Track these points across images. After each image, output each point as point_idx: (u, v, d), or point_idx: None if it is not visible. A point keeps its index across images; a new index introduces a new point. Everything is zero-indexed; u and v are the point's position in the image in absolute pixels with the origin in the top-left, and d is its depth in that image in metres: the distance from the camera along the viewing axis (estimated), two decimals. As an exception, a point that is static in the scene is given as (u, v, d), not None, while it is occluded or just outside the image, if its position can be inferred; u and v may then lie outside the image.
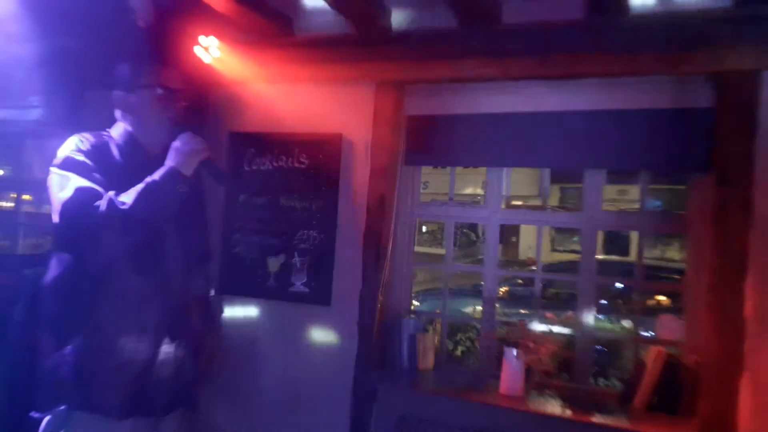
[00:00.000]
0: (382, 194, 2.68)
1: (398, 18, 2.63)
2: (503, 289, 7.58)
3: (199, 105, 2.99)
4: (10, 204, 4.37)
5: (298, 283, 2.83)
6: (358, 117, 2.75)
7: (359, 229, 2.72)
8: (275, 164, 2.91)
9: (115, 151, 1.79)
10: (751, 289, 2.13)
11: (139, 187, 1.65)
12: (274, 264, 2.88)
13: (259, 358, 2.86)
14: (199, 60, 2.67)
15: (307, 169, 2.85)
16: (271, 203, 2.91)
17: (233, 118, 3.00)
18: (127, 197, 1.63)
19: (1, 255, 4.38)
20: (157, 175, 1.70)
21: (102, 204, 1.59)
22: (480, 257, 13.17)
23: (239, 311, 2.93)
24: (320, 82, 2.84)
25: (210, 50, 2.67)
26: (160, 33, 2.83)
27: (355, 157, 2.77)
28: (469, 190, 15.58)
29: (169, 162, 1.74)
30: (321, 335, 2.78)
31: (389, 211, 2.70)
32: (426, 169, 2.99)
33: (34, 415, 1.71)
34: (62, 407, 1.70)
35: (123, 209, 1.61)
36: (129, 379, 1.71)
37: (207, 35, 2.66)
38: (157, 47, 2.82)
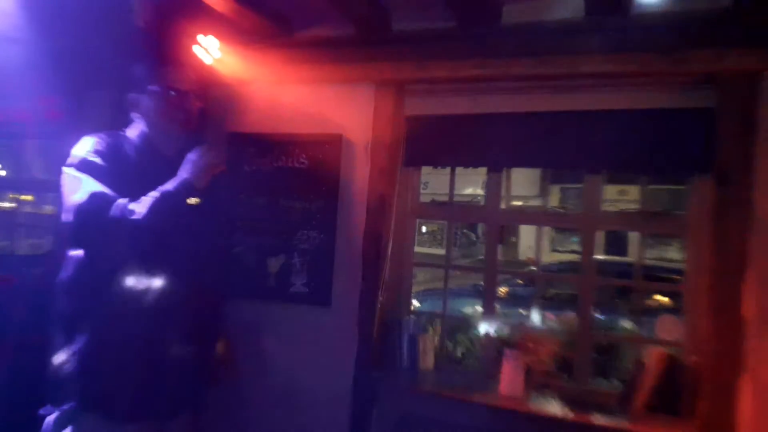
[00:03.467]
0: (382, 194, 2.68)
1: (398, 18, 2.63)
2: (503, 289, 7.57)
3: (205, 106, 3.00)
4: (10, 204, 4.37)
5: (298, 283, 2.82)
6: (358, 117, 2.75)
7: (359, 229, 2.71)
8: (275, 164, 2.91)
9: (130, 152, 1.79)
10: (751, 289, 2.13)
11: (152, 197, 1.65)
12: (274, 264, 2.88)
13: (260, 358, 2.86)
14: (199, 60, 2.67)
15: (307, 169, 2.85)
16: (271, 203, 2.90)
17: (233, 118, 3.00)
18: (140, 206, 1.63)
19: (1, 255, 4.37)
20: (170, 186, 1.69)
21: (115, 211, 1.60)
22: (480, 257, 13.16)
23: (239, 312, 2.93)
24: (320, 83, 2.83)
25: (210, 50, 2.67)
26: (160, 33, 2.83)
27: (355, 157, 2.77)
28: (469, 190, 15.58)
29: (184, 173, 1.74)
30: (321, 335, 2.78)
31: (389, 211, 2.70)
32: (426, 169, 2.99)
33: (43, 412, 1.71)
34: (70, 405, 1.69)
35: (134, 219, 1.61)
36: (136, 381, 1.70)
37: (207, 35, 2.65)
38: (157, 47, 2.82)
